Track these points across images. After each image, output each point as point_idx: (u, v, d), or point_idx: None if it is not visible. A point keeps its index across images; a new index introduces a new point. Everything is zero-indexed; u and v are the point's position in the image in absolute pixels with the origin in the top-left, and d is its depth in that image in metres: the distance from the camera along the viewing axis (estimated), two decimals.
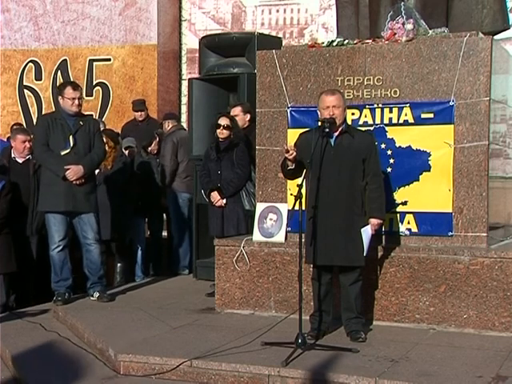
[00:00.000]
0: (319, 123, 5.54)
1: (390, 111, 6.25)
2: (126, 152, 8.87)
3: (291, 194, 6.31)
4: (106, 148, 7.71)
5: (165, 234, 9.38)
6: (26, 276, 7.79)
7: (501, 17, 6.78)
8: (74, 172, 6.90)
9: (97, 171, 7.59)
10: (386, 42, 6.33)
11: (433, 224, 6.16)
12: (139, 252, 8.97)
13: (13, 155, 7.88)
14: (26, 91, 12.60)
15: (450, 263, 5.92)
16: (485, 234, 6.06)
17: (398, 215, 6.24)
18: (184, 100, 11.90)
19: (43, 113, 12.24)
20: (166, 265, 9.22)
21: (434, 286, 5.95)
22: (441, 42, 6.15)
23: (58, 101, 7.32)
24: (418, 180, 6.18)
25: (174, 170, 8.94)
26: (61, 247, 7.07)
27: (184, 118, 11.72)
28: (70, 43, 12.39)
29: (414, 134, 6.19)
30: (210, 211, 7.35)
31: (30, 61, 12.58)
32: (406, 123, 6.21)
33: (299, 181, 5.49)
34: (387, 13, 6.49)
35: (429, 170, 6.15)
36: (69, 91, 7.03)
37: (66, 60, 12.37)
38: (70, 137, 6.98)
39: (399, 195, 6.23)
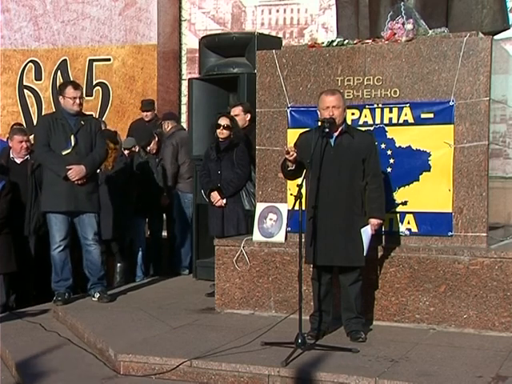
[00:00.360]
0: (319, 123, 5.54)
1: (390, 111, 6.25)
2: (126, 152, 8.88)
3: (291, 194, 6.32)
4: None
5: (164, 234, 9.39)
6: (25, 276, 7.80)
7: (501, 17, 6.79)
8: (75, 172, 6.90)
9: (97, 171, 7.59)
10: (386, 41, 6.33)
11: (433, 224, 6.16)
12: (139, 252, 8.98)
13: (11, 155, 7.89)
14: (25, 91, 12.60)
15: (449, 263, 5.92)
16: (485, 234, 6.06)
17: (398, 215, 6.24)
18: (184, 100, 11.90)
19: (43, 113, 12.25)
20: (166, 265, 9.22)
21: (433, 286, 5.95)
22: (441, 42, 6.15)
23: (58, 101, 7.32)
24: (418, 180, 6.18)
25: (175, 172, 8.95)
26: (62, 247, 7.07)
27: (184, 118, 11.73)
28: (69, 43, 12.40)
29: (413, 134, 6.19)
30: (210, 211, 7.35)
31: (30, 61, 12.58)
32: (405, 123, 6.21)
33: (299, 181, 5.49)
34: (387, 13, 6.49)
35: (429, 170, 6.15)
36: (69, 91, 7.02)
37: (65, 60, 12.37)
38: (72, 136, 6.97)
39: (399, 195, 6.23)
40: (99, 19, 12.25)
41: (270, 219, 6.55)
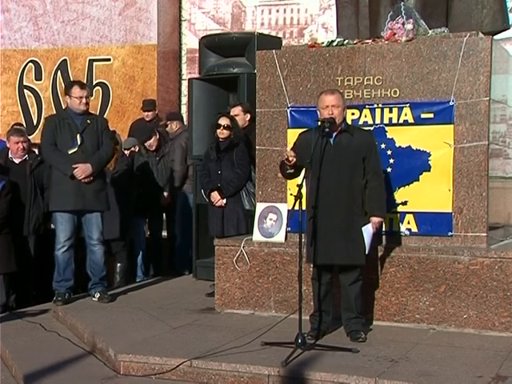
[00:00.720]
0: (319, 123, 5.54)
1: (390, 111, 6.26)
2: (127, 152, 8.87)
3: (291, 194, 6.30)
4: None
5: (164, 234, 9.38)
6: (25, 276, 7.80)
7: (501, 17, 6.79)
8: (81, 170, 6.91)
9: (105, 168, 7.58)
10: (386, 41, 6.33)
11: (433, 224, 6.16)
12: (139, 252, 8.97)
13: (10, 155, 7.90)
14: (25, 91, 12.60)
15: (449, 263, 5.92)
16: (485, 234, 6.06)
17: (398, 215, 6.24)
18: (184, 100, 11.90)
19: (43, 113, 12.28)
20: (166, 265, 9.22)
21: (434, 286, 5.95)
22: (441, 42, 6.15)
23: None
24: (418, 180, 6.18)
25: (185, 173, 8.95)
26: (66, 247, 7.07)
27: (184, 118, 11.72)
28: (69, 43, 12.39)
29: (413, 134, 6.19)
30: (210, 211, 7.35)
31: (30, 61, 12.58)
32: (405, 123, 6.21)
33: (299, 181, 5.49)
34: (387, 13, 6.49)
35: (429, 170, 6.15)
36: (76, 90, 7.05)
37: (65, 60, 12.37)
38: (78, 135, 7.00)
39: (399, 195, 6.23)
40: (99, 19, 12.25)
41: (270, 219, 6.55)
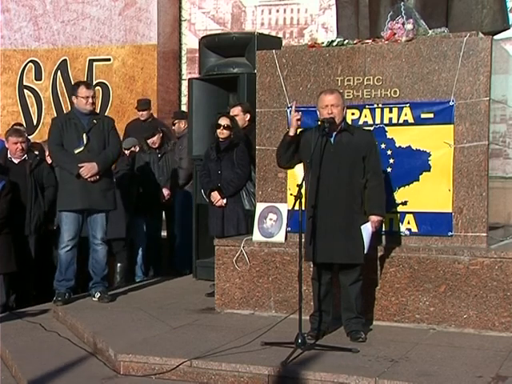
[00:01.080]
0: (319, 123, 5.54)
1: (390, 111, 6.25)
2: (127, 152, 8.88)
3: (291, 194, 6.30)
4: None
5: (164, 233, 9.38)
6: (25, 276, 7.80)
7: (501, 17, 6.78)
8: (87, 169, 6.94)
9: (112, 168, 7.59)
10: (386, 41, 6.33)
11: (433, 224, 6.16)
12: (139, 252, 8.98)
13: (9, 155, 7.91)
14: (25, 91, 12.60)
15: (449, 263, 5.92)
16: (485, 234, 6.06)
17: (398, 215, 6.24)
18: (184, 100, 11.90)
19: (43, 113, 12.29)
20: (166, 265, 9.22)
21: (434, 286, 5.95)
22: (441, 42, 6.15)
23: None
24: (418, 180, 6.18)
25: (191, 172, 8.96)
26: (69, 247, 7.09)
27: None
28: (69, 43, 12.39)
29: (413, 134, 6.19)
30: (210, 211, 7.35)
31: (30, 61, 12.57)
32: (405, 123, 6.21)
33: (299, 181, 5.49)
34: (387, 13, 6.49)
35: (429, 170, 6.15)
36: (82, 90, 7.09)
37: (65, 60, 12.36)
38: (84, 135, 7.03)
39: (399, 195, 6.22)
40: (99, 19, 12.24)
41: (270, 219, 6.55)
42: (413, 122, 6.19)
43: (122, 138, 9.36)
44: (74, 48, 12.35)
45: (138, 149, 9.10)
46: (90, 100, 7.08)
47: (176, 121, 9.52)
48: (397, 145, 6.23)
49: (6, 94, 12.65)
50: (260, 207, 6.64)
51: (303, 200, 5.33)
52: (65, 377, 5.19)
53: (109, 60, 12.20)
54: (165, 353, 5.31)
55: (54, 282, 7.24)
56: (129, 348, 5.44)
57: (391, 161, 6.23)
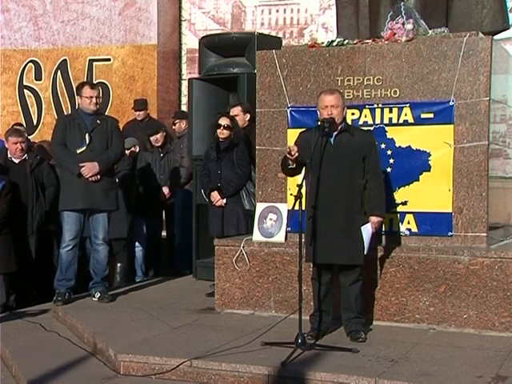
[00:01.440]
0: (319, 123, 5.54)
1: (390, 111, 6.26)
2: (127, 152, 8.88)
3: (291, 194, 6.28)
4: None
5: (164, 233, 9.38)
6: (25, 276, 7.80)
7: (501, 17, 6.79)
8: (88, 169, 6.94)
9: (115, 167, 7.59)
10: (386, 41, 6.33)
11: (433, 224, 6.16)
12: (139, 252, 8.97)
13: (9, 155, 7.91)
14: (25, 91, 12.59)
15: (450, 263, 5.92)
16: (485, 234, 6.06)
17: (398, 215, 6.24)
18: (184, 100, 11.89)
19: (43, 113, 12.29)
20: (166, 265, 9.22)
21: (433, 285, 5.95)
22: (441, 42, 6.15)
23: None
24: (418, 180, 6.18)
25: (192, 171, 8.96)
26: (70, 247, 7.10)
27: None
28: (69, 43, 12.38)
29: (413, 134, 6.19)
30: (210, 211, 7.35)
31: (30, 61, 12.56)
32: (405, 123, 6.21)
33: (299, 181, 5.49)
34: (387, 13, 6.49)
35: (429, 170, 6.15)
36: (86, 90, 7.10)
37: (65, 60, 12.35)
38: (86, 135, 7.03)
39: (399, 195, 6.23)
40: (99, 19, 12.23)
41: (270, 219, 6.55)
42: (413, 122, 6.19)
43: None
44: (73, 48, 12.34)
45: (138, 149, 9.11)
46: (94, 100, 7.08)
47: (177, 121, 9.53)
48: (397, 145, 6.23)
49: (6, 93, 12.64)
50: (260, 207, 6.64)
51: (303, 200, 5.33)
52: (65, 377, 5.19)
53: (109, 60, 12.20)
54: (165, 353, 5.31)
55: (54, 282, 7.24)
56: (129, 348, 5.44)
57: (391, 161, 6.23)
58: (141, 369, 5.23)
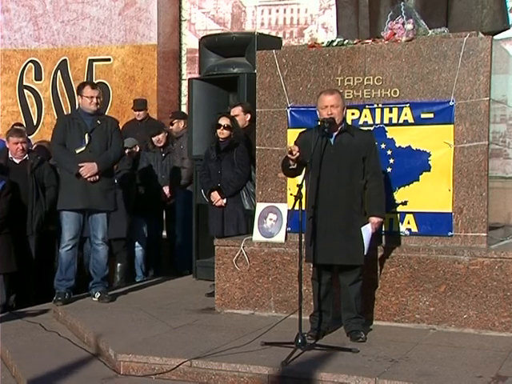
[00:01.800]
0: (319, 123, 5.54)
1: (390, 111, 6.26)
2: (127, 152, 8.88)
3: (291, 194, 6.29)
4: None
5: (164, 233, 9.37)
6: (25, 276, 7.80)
7: (501, 17, 6.79)
8: (87, 169, 6.95)
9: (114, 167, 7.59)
10: (386, 41, 6.33)
11: (433, 224, 6.16)
12: (139, 252, 8.97)
13: (10, 155, 7.91)
14: (25, 91, 12.59)
15: (449, 263, 5.92)
16: (485, 234, 6.06)
17: (398, 215, 6.24)
18: (184, 100, 11.89)
19: (43, 113, 12.28)
20: (166, 265, 9.22)
21: (434, 285, 5.95)
22: (441, 42, 6.15)
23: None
24: (418, 180, 6.18)
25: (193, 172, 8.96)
26: (70, 246, 7.10)
27: None
28: (69, 43, 12.38)
29: (413, 134, 6.19)
30: (210, 211, 7.35)
31: (30, 61, 12.56)
32: (405, 123, 6.21)
33: (299, 181, 5.49)
34: (387, 13, 6.49)
35: (429, 170, 6.15)
36: (87, 90, 7.10)
37: (65, 60, 12.35)
38: (86, 135, 7.04)
39: (399, 195, 6.23)
40: (99, 19, 12.23)
41: (270, 219, 6.55)
42: (413, 122, 6.19)
43: None
44: (73, 48, 12.34)
45: (138, 149, 9.11)
46: (95, 100, 7.08)
47: (175, 120, 9.53)
48: (397, 145, 6.23)
49: (6, 93, 12.64)
50: (260, 207, 6.64)
51: (303, 200, 5.33)
52: (65, 377, 5.19)
53: (109, 60, 12.19)
54: (165, 353, 5.31)
55: (54, 282, 7.25)
56: (129, 348, 5.44)
57: (391, 161, 6.23)
58: (141, 369, 5.23)
